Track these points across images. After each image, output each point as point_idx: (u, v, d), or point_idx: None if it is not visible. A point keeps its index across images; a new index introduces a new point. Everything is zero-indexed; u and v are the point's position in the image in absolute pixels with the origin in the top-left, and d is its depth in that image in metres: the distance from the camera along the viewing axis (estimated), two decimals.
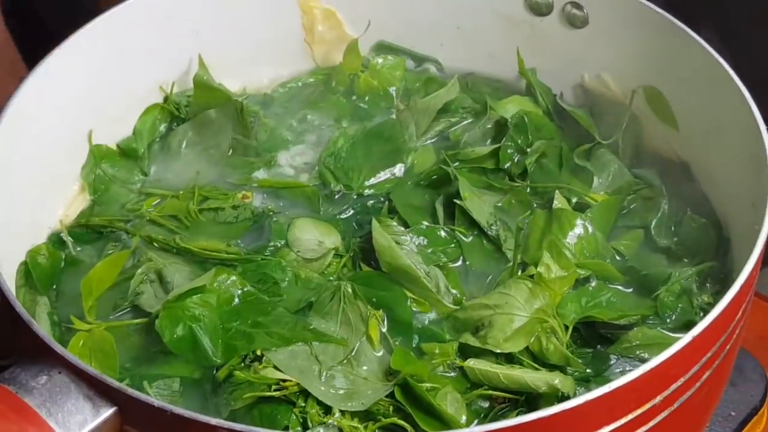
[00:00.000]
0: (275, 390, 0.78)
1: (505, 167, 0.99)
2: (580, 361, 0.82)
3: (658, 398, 0.69)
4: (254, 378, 0.78)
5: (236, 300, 0.84)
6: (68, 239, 0.92)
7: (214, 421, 0.63)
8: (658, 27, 0.97)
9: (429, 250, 0.91)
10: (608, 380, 0.69)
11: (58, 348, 0.67)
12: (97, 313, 0.86)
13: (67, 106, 0.96)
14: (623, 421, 0.68)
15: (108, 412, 0.67)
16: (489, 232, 0.92)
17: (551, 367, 0.82)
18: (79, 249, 0.92)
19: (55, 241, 0.93)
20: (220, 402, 0.78)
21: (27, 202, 0.90)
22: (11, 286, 0.79)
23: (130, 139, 1.03)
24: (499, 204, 0.95)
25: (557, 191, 0.94)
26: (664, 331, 0.86)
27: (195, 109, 1.04)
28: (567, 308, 0.86)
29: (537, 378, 0.79)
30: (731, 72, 0.90)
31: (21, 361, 0.69)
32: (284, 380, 0.78)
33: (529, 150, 0.99)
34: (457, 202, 0.93)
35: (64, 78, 0.95)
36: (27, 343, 0.70)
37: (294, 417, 0.77)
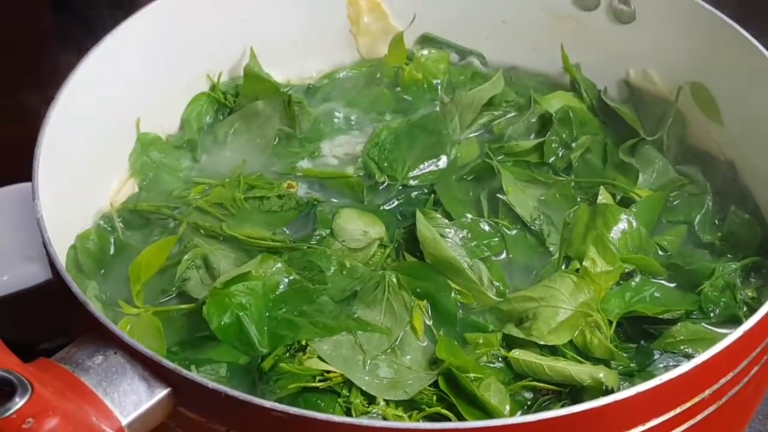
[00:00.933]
0: (320, 381, 0.78)
1: (550, 161, 0.99)
2: (624, 355, 0.82)
3: (708, 392, 0.69)
4: (299, 370, 0.78)
5: (282, 287, 0.85)
6: (117, 223, 0.93)
7: (268, 403, 0.64)
8: (706, 23, 0.96)
9: (472, 243, 0.91)
10: (652, 375, 0.69)
11: (114, 329, 0.68)
12: (144, 298, 0.86)
13: (116, 94, 0.97)
14: (672, 413, 0.68)
15: (162, 392, 0.67)
16: (532, 227, 0.93)
17: (595, 361, 0.82)
18: (127, 234, 0.93)
19: (104, 225, 0.94)
20: (266, 389, 0.79)
21: (76, 188, 0.91)
22: None
23: (178, 128, 1.04)
24: (543, 197, 0.95)
25: (602, 186, 0.94)
26: (707, 326, 0.86)
27: (243, 100, 1.05)
28: (611, 303, 0.86)
29: (582, 371, 0.79)
30: None
31: (76, 341, 0.70)
32: (328, 371, 0.79)
33: (573, 145, 1.00)
34: (501, 197, 0.93)
35: (113, 66, 0.95)
36: (82, 323, 0.70)
37: (338, 406, 0.77)
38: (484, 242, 0.92)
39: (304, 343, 0.80)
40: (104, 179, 0.97)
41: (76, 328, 0.71)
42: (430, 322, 0.85)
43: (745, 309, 0.87)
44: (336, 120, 1.06)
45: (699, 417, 0.70)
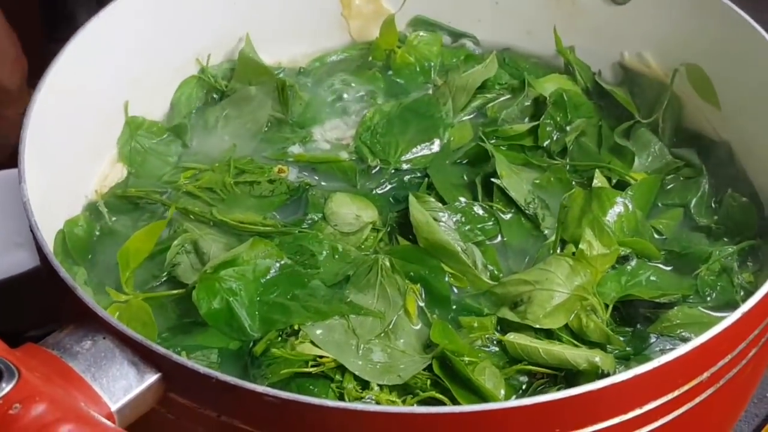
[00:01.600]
0: (312, 366, 0.77)
1: (544, 145, 0.98)
2: (620, 339, 0.82)
3: (706, 374, 0.69)
4: (291, 355, 0.78)
5: (273, 271, 0.84)
6: (104, 209, 0.92)
7: (259, 388, 0.63)
8: (702, 4, 0.96)
9: (466, 227, 0.90)
10: (649, 359, 0.68)
11: (103, 313, 0.67)
12: (134, 283, 0.85)
13: (103, 77, 0.96)
14: (669, 397, 0.68)
15: (152, 378, 0.66)
16: (527, 211, 0.92)
17: (591, 345, 0.81)
18: (114, 219, 0.92)
19: (92, 211, 0.92)
20: (258, 375, 0.78)
21: (64, 173, 0.90)
22: None
23: (167, 112, 1.03)
24: (537, 181, 0.95)
25: (597, 170, 0.94)
26: (704, 310, 0.85)
27: (236, 84, 1.04)
28: (607, 287, 0.85)
29: (577, 355, 0.78)
30: None
31: (64, 327, 0.68)
32: (321, 356, 0.78)
33: (568, 128, 0.99)
34: (495, 180, 0.92)
35: (100, 49, 0.94)
36: (70, 309, 0.69)
37: (331, 392, 0.77)
38: (478, 226, 0.91)
39: (296, 327, 0.79)
40: (93, 164, 0.96)
41: (64, 314, 0.70)
42: (423, 306, 0.84)
43: (742, 293, 0.86)
44: (327, 104, 1.05)
45: (696, 400, 0.70)
